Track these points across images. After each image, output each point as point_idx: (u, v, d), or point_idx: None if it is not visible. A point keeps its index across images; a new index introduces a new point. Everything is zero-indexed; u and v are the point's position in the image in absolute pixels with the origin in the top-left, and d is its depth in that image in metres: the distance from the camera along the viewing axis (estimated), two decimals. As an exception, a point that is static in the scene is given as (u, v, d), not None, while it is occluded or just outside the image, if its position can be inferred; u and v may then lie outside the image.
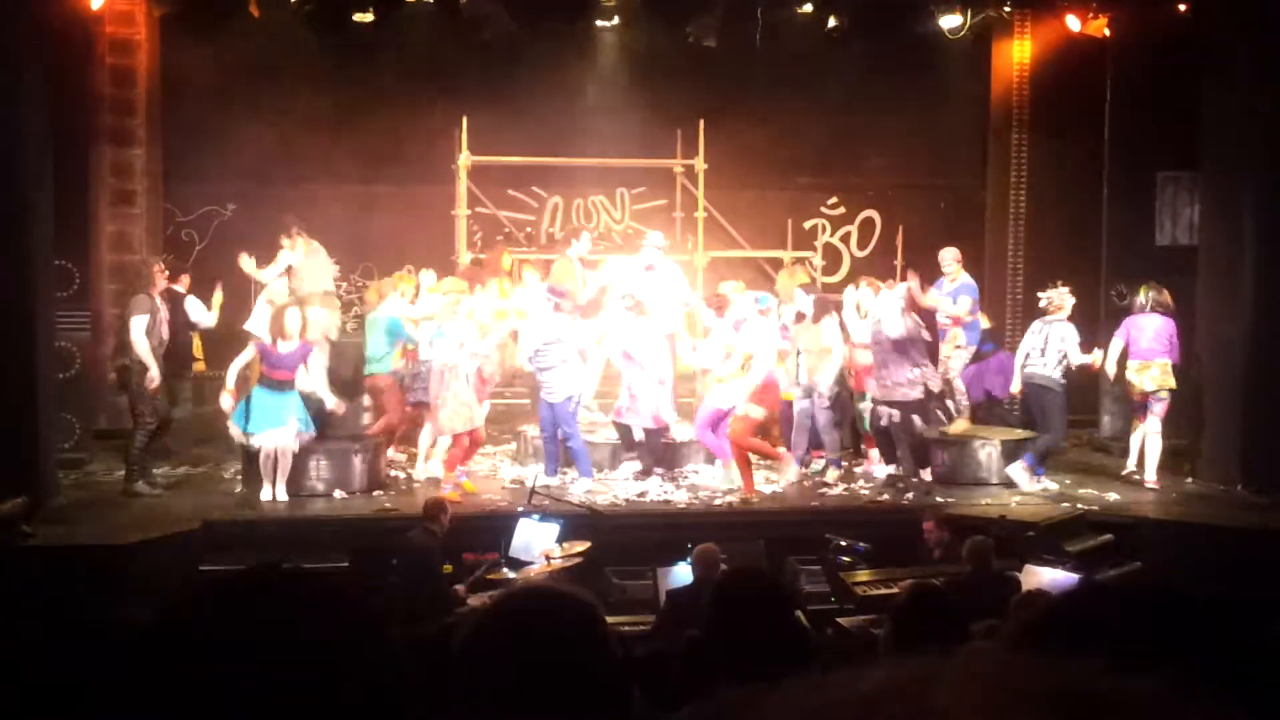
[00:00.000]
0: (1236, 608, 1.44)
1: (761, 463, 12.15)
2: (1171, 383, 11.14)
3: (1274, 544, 9.47)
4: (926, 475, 11.21)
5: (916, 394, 11.00)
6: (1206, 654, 1.24)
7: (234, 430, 10.35)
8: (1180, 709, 0.77)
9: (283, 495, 10.23)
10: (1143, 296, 11.36)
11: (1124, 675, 0.78)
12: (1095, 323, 13.01)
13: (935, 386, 11.22)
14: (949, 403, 11.95)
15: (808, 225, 15.04)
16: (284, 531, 9.73)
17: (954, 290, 12.01)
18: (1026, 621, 1.31)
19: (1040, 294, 11.37)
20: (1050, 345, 10.97)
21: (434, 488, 10.56)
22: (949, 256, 12.19)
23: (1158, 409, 11.17)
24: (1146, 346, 11.12)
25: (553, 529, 9.09)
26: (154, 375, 10.43)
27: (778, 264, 14.41)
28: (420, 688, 1.34)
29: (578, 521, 9.59)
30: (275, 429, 10.20)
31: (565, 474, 11.22)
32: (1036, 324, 11.25)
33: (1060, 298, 11.11)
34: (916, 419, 11.21)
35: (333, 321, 12.02)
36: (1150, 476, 11.32)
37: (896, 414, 11.06)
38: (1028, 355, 11.11)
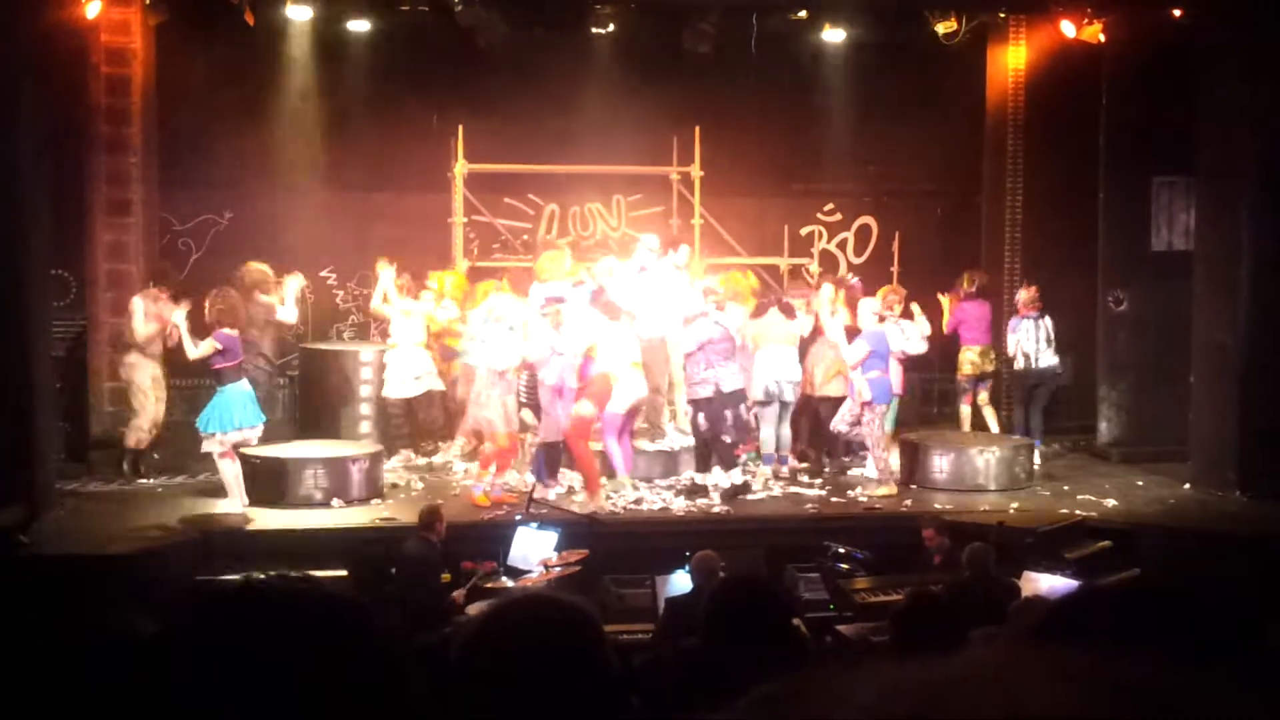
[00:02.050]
0: (1235, 610, 1.44)
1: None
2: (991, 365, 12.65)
3: (1271, 550, 9.46)
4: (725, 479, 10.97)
5: (707, 392, 10.87)
6: (1210, 654, 1.24)
7: (237, 436, 10.06)
8: (1245, 706, 0.75)
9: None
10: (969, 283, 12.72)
11: (1186, 673, 0.76)
12: (1092, 327, 13.05)
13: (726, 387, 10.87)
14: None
15: (804, 232, 15.02)
16: (282, 541, 9.71)
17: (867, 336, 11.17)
18: (1025, 625, 1.31)
19: (1021, 292, 12.65)
20: (1052, 337, 12.37)
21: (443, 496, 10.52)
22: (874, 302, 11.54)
23: (985, 391, 12.65)
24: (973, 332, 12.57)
25: (551, 537, 9.08)
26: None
27: (774, 270, 14.41)
28: (420, 697, 1.33)
29: (576, 530, 9.58)
30: (260, 423, 10.18)
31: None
32: (1023, 322, 12.44)
33: (1032, 294, 12.49)
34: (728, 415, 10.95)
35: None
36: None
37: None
38: (1038, 349, 12.27)
